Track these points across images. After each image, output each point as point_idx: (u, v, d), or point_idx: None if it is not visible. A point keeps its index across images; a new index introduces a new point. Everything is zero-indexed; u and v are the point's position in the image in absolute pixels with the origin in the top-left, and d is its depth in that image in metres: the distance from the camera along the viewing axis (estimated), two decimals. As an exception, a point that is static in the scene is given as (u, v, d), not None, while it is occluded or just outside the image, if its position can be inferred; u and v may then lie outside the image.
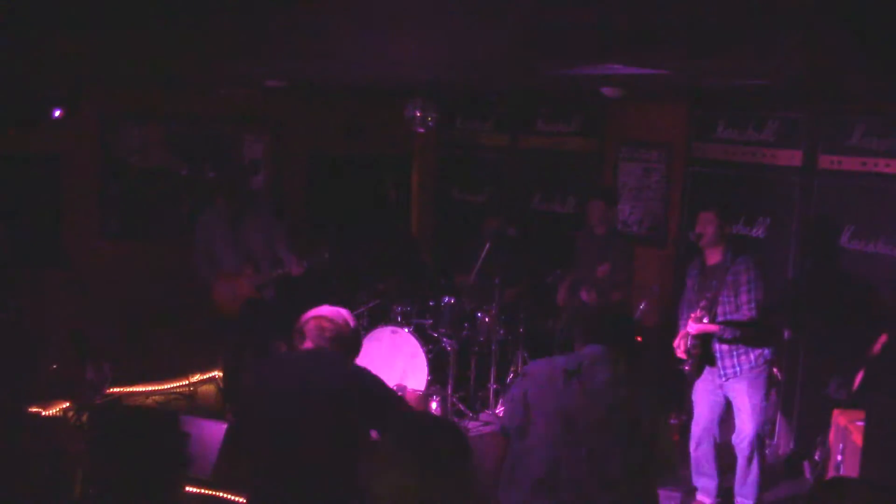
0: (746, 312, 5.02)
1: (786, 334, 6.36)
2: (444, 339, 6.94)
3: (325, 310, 3.74)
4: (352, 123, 8.60)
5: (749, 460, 5.27)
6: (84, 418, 6.14)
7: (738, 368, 5.17)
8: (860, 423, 4.26)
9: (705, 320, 5.07)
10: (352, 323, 3.74)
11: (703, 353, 5.22)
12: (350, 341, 3.69)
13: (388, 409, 3.57)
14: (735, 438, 5.32)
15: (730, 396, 5.28)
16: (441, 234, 9.44)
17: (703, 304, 5.08)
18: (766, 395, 5.31)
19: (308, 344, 3.63)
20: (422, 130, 6.83)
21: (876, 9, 1.85)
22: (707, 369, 5.29)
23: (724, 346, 5.17)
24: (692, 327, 5.11)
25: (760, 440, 5.32)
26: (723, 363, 5.19)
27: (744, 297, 5.05)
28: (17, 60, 4.65)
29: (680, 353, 5.31)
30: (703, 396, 5.37)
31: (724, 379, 5.21)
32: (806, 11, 2.35)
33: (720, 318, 5.09)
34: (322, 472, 3.42)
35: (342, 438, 3.45)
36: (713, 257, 5.25)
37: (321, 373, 3.52)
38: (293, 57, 4.32)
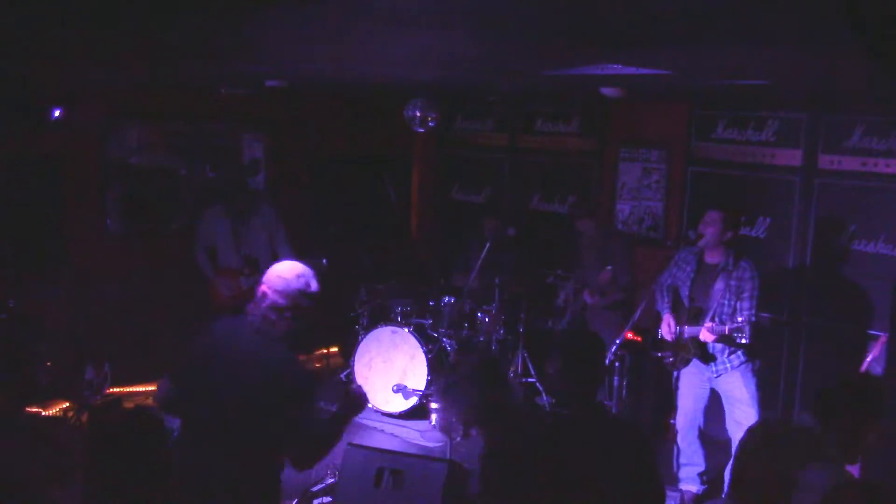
0: (747, 317, 5.04)
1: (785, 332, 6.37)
2: (444, 339, 6.94)
3: (276, 280, 3.37)
4: (352, 123, 8.60)
5: None
6: (84, 418, 6.15)
7: (728, 364, 5.25)
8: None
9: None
10: (313, 287, 3.38)
11: (701, 351, 5.25)
12: (301, 315, 3.37)
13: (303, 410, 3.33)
14: (734, 431, 5.33)
15: (721, 391, 5.35)
16: (441, 234, 9.44)
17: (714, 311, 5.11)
18: (758, 385, 5.36)
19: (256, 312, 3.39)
20: (422, 130, 6.82)
21: (876, 9, 1.85)
22: (693, 363, 5.34)
23: (719, 345, 5.21)
24: (707, 336, 5.11)
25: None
26: (715, 361, 5.27)
27: (746, 304, 5.08)
28: (17, 60, 4.65)
29: (668, 337, 5.35)
30: (688, 389, 5.44)
31: (716, 375, 5.27)
32: (806, 11, 2.35)
33: (717, 320, 5.10)
34: (243, 457, 3.30)
35: (268, 428, 3.28)
36: (713, 256, 5.25)
37: (260, 356, 3.31)
38: (293, 57, 4.32)
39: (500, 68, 4.80)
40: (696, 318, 5.20)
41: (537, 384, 7.17)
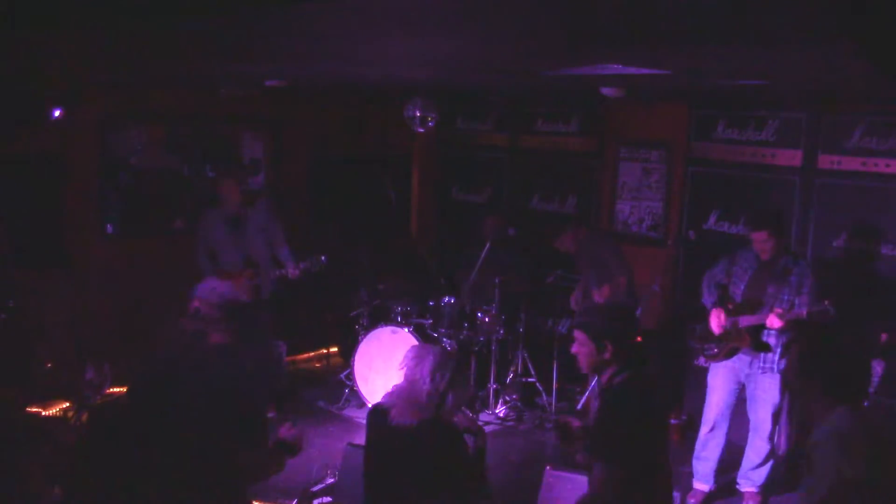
0: (805, 311, 5.06)
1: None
2: (444, 339, 6.94)
3: (210, 293, 3.51)
4: (352, 123, 8.60)
5: (768, 451, 5.39)
6: (84, 418, 6.15)
7: (774, 365, 5.28)
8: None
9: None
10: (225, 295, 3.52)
11: (755, 340, 5.27)
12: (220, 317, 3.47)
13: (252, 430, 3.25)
14: (752, 428, 5.41)
15: (755, 388, 5.36)
16: (441, 234, 9.44)
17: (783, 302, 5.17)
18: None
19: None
20: (422, 130, 6.82)
21: (877, 8, 1.85)
22: (736, 358, 5.36)
23: (772, 340, 5.23)
24: (775, 321, 5.11)
25: (774, 431, 5.44)
26: (765, 356, 5.29)
27: (805, 298, 5.14)
28: (17, 60, 4.65)
29: (716, 329, 5.38)
30: (723, 383, 5.45)
31: (761, 372, 5.29)
32: (807, 12, 2.36)
33: (774, 313, 5.11)
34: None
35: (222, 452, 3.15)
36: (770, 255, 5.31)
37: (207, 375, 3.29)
38: (293, 57, 4.32)
39: (500, 68, 4.80)
40: (754, 309, 5.22)
41: (537, 384, 7.17)
